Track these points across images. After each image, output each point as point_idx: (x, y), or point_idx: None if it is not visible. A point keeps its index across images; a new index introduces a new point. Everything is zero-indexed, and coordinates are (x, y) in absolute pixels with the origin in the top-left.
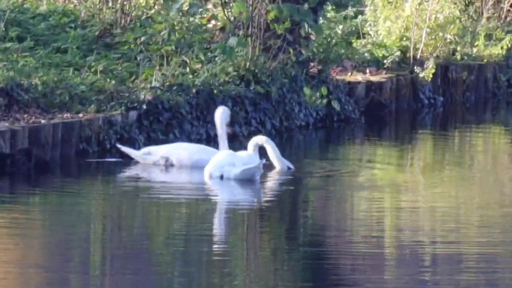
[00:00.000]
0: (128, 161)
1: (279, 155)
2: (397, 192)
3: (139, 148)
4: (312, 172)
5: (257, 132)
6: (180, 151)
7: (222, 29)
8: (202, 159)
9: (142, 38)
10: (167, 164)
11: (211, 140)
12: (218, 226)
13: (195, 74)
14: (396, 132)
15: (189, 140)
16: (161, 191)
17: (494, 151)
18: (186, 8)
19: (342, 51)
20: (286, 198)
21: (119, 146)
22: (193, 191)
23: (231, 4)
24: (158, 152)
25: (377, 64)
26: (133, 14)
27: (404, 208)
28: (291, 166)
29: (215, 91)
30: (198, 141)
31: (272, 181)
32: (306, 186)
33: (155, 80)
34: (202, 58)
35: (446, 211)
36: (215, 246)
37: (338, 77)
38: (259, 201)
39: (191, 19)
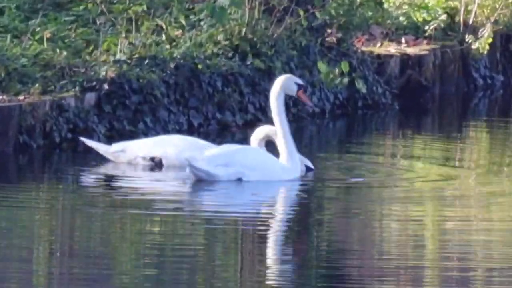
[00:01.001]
0: (92, 157)
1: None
2: (442, 205)
3: (99, 141)
4: (329, 176)
5: (255, 122)
6: (167, 147)
7: None
8: (195, 157)
9: None
10: (155, 163)
11: (194, 131)
12: (202, 250)
13: (174, 43)
14: (440, 122)
15: (165, 131)
16: (132, 200)
17: None
18: None
19: (370, 13)
20: (294, 212)
21: (83, 139)
22: (174, 201)
23: None
24: (135, 148)
25: (415, 31)
26: None
27: (451, 227)
28: (311, 166)
29: (200, 67)
30: (178, 132)
31: (278, 186)
32: (320, 195)
33: (120, 51)
34: (183, 22)
35: (506, 231)
36: (196, 278)
37: (364, 48)
38: (258, 215)
39: None
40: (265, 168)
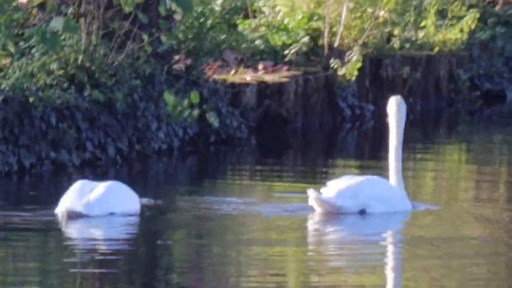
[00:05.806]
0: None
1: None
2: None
3: None
4: (172, 233)
5: (94, 161)
6: (129, 201)
7: (42, 5)
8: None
9: None
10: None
11: (26, 173)
12: None
13: (1, 74)
14: (303, 160)
15: None
16: None
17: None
18: None
19: (222, 37)
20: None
21: None
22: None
23: None
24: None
25: (274, 56)
26: None
27: None
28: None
29: (31, 100)
30: (7, 175)
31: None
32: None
33: None
34: (11, 49)
35: None
36: None
37: (216, 76)
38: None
39: None
40: (390, 199)
